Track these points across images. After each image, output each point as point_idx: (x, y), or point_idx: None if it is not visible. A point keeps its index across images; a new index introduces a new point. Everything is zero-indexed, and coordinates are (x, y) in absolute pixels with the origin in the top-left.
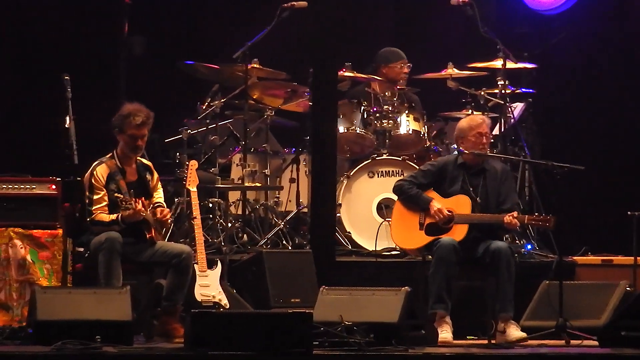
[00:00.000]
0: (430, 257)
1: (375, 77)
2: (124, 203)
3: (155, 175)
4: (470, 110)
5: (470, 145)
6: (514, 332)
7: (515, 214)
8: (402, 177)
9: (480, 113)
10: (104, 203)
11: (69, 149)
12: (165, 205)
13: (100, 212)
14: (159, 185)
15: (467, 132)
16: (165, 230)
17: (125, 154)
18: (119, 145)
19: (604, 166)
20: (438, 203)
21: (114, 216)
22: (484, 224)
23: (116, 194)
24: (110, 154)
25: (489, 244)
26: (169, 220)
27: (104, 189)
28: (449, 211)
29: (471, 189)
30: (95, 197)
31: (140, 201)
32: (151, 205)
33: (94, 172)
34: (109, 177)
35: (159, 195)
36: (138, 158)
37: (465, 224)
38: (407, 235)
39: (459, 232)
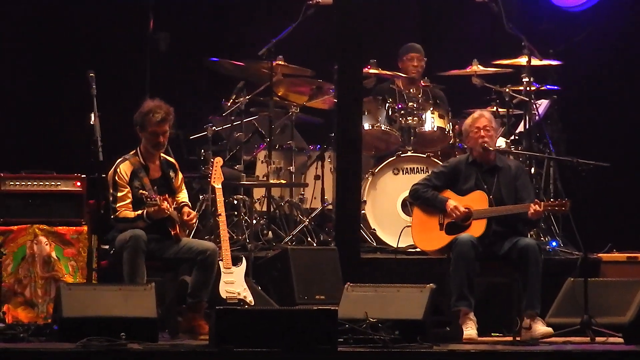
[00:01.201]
0: None
1: (400, 73)
2: (148, 200)
3: (180, 175)
4: (495, 107)
5: (472, 142)
6: (540, 327)
7: (534, 203)
8: (416, 182)
9: (505, 110)
10: (128, 200)
11: (94, 145)
12: (190, 205)
13: (124, 210)
14: (183, 186)
15: (468, 130)
16: (189, 233)
17: (148, 150)
18: (142, 142)
19: (629, 163)
20: (454, 201)
21: (138, 212)
22: (502, 218)
23: (141, 191)
24: (134, 151)
25: (515, 241)
26: (194, 222)
27: (128, 186)
28: (466, 208)
29: (485, 187)
30: (119, 194)
31: (164, 198)
32: (175, 203)
33: (117, 170)
34: (132, 174)
35: (183, 196)
36: (162, 155)
37: (485, 218)
38: (429, 237)
39: (477, 228)
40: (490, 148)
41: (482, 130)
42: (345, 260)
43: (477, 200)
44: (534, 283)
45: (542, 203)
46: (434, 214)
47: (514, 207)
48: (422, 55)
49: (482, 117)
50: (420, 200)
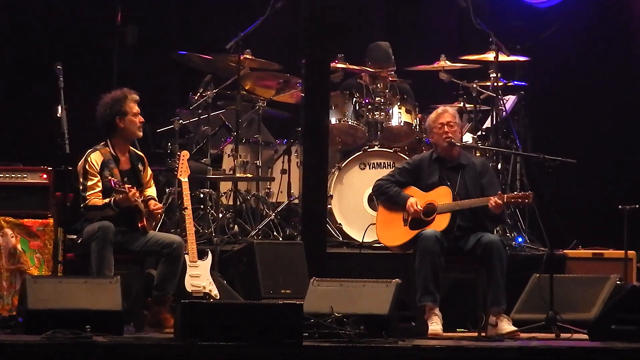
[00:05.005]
0: None
1: (367, 68)
2: (117, 186)
3: (149, 170)
4: (462, 103)
5: (436, 138)
6: (506, 325)
7: (499, 194)
8: (380, 177)
9: (473, 106)
10: (98, 189)
11: (60, 138)
12: (157, 199)
13: (94, 198)
14: (152, 182)
15: (431, 126)
16: (155, 223)
17: (125, 138)
18: (117, 133)
19: (595, 159)
20: (414, 199)
21: (107, 200)
22: (468, 213)
23: (109, 178)
24: (104, 142)
25: (480, 237)
26: (160, 215)
27: (98, 175)
28: (429, 203)
29: (449, 183)
30: (89, 183)
31: (133, 189)
32: (142, 198)
33: (88, 159)
34: (102, 165)
35: (151, 191)
36: (131, 148)
37: (449, 212)
38: (393, 233)
39: (441, 222)
40: (457, 143)
41: (445, 126)
42: (311, 254)
43: (442, 195)
44: (498, 279)
45: (505, 195)
46: (398, 210)
47: (476, 200)
48: (390, 63)
49: (445, 112)
50: (384, 196)
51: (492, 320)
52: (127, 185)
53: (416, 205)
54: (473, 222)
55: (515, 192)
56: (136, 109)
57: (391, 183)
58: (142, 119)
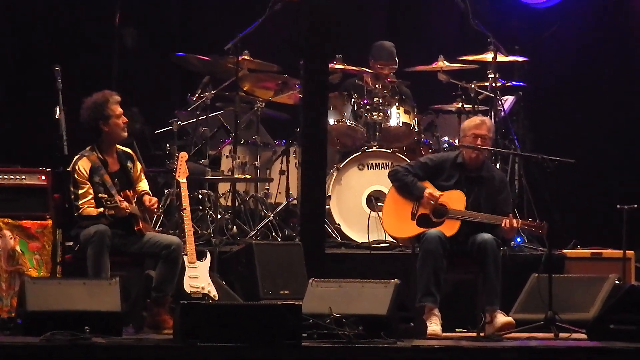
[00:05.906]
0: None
1: (366, 69)
2: (108, 203)
3: (138, 165)
4: (460, 104)
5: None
6: (500, 318)
7: (510, 216)
8: (399, 164)
9: (471, 106)
10: (90, 196)
11: (59, 140)
12: (151, 193)
13: (87, 207)
14: (143, 176)
15: (466, 131)
16: (152, 219)
17: (109, 142)
18: (102, 136)
19: (594, 159)
20: (431, 189)
21: (100, 209)
22: (476, 222)
23: (100, 195)
24: (90, 147)
25: (475, 237)
26: (156, 208)
27: (88, 182)
28: (441, 204)
29: (465, 191)
30: (80, 191)
31: (124, 195)
32: (136, 197)
33: (76, 167)
34: (91, 170)
35: (143, 185)
36: (118, 146)
37: (458, 220)
38: (398, 224)
39: (450, 228)
40: (457, 144)
41: (479, 139)
42: (310, 255)
43: (455, 199)
44: (492, 279)
45: (520, 221)
46: (409, 201)
47: (490, 216)
48: (393, 61)
49: (483, 125)
50: (399, 182)
51: (487, 318)
52: (117, 198)
53: (436, 194)
54: (476, 229)
55: (530, 220)
56: (119, 110)
57: (409, 173)
58: (126, 119)
